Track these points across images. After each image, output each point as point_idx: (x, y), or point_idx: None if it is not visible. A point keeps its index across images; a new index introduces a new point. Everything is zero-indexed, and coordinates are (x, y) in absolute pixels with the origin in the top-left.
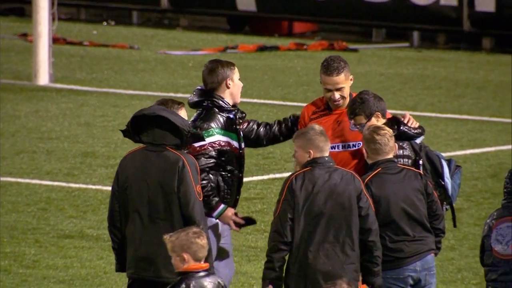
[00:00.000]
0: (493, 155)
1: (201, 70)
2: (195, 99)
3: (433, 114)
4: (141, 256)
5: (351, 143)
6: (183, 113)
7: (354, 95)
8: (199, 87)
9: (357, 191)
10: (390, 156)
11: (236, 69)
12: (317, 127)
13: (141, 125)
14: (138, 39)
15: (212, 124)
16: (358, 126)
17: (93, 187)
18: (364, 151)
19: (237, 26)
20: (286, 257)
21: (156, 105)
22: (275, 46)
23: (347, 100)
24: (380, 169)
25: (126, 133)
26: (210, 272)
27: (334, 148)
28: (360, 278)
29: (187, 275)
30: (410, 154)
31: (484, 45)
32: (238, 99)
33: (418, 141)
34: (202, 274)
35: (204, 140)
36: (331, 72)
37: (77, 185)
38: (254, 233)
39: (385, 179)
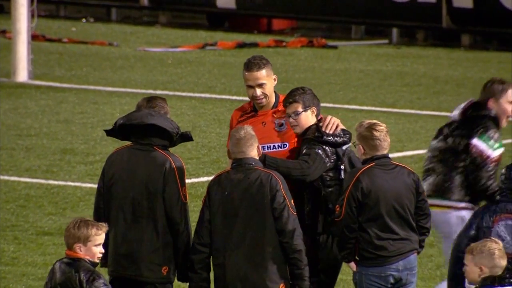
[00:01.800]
0: None
1: (180, 67)
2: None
3: (413, 111)
4: (122, 254)
5: (276, 144)
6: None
7: (281, 96)
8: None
9: (271, 191)
10: (387, 152)
11: (508, 93)
12: (241, 128)
13: (129, 130)
14: (117, 36)
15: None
16: (291, 114)
17: (72, 184)
18: (360, 148)
19: (216, 23)
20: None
21: (144, 109)
22: (255, 43)
23: (272, 99)
24: (373, 164)
25: (110, 132)
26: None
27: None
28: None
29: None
30: (330, 155)
31: (463, 42)
32: (502, 123)
33: (344, 147)
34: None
35: (192, 140)
36: (251, 68)
37: (56, 182)
38: None
39: (377, 174)
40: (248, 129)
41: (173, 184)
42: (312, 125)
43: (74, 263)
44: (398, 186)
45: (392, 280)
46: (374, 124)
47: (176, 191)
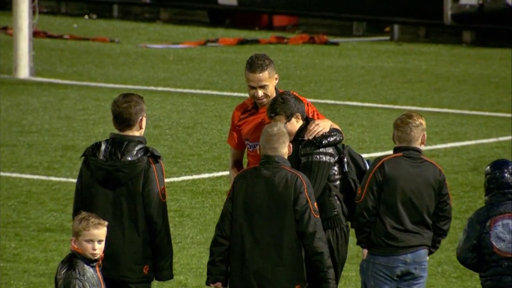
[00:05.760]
0: (474, 148)
1: (182, 64)
2: None
3: (414, 108)
4: (104, 254)
5: None
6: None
7: (281, 92)
8: None
9: (295, 193)
10: (417, 144)
11: None
12: (274, 125)
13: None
14: (119, 33)
15: None
16: None
17: (74, 180)
18: (393, 136)
19: (217, 20)
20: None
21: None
22: (256, 40)
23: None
24: (401, 154)
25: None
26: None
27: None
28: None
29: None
30: (333, 153)
31: (464, 39)
32: None
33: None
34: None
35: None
36: (254, 69)
37: (57, 179)
38: None
39: (402, 164)
40: (281, 126)
41: (152, 183)
42: (302, 126)
43: (68, 255)
44: (420, 181)
45: (399, 272)
46: (410, 116)
47: (156, 189)
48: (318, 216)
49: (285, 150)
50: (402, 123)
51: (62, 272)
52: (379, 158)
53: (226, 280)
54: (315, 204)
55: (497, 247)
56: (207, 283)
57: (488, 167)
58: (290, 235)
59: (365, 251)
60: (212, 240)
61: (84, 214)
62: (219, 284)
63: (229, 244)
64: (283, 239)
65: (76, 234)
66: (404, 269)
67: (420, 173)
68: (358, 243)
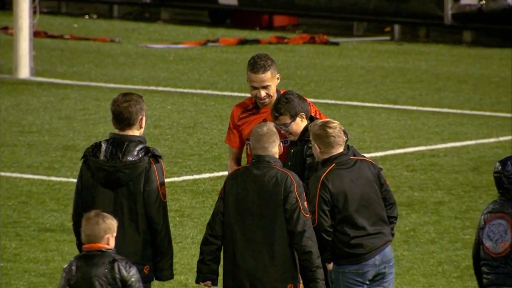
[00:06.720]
0: (474, 148)
1: (182, 64)
2: None
3: (414, 107)
4: None
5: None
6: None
7: (281, 92)
8: None
9: (285, 192)
10: (342, 149)
11: None
12: (263, 124)
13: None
14: (119, 33)
15: None
16: (281, 126)
17: (74, 180)
18: (315, 147)
19: (218, 19)
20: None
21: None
22: (256, 40)
23: (274, 98)
24: (334, 164)
25: None
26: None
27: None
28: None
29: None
30: None
31: (464, 39)
32: None
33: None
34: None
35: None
36: (257, 70)
37: (58, 179)
38: None
39: (341, 174)
40: (270, 126)
41: (153, 183)
42: (307, 125)
43: (105, 254)
44: (363, 183)
45: (370, 277)
46: (327, 122)
47: (156, 189)
48: (308, 215)
49: (275, 149)
50: (325, 132)
51: (133, 271)
52: (316, 178)
53: (217, 279)
54: (305, 203)
55: (486, 245)
56: (197, 281)
57: (498, 166)
58: (281, 234)
59: (330, 264)
60: (203, 238)
61: (98, 211)
62: (209, 282)
63: (221, 244)
64: (274, 239)
65: (115, 231)
66: (374, 271)
67: (359, 175)
68: (324, 260)
